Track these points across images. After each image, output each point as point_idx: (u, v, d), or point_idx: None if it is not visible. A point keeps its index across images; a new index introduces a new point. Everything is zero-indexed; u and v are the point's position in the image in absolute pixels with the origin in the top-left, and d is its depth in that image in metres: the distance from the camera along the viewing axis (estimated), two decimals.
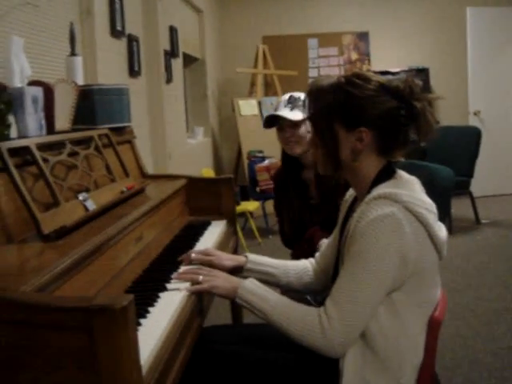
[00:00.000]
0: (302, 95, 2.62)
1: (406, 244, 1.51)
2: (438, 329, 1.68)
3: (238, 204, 5.38)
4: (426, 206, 1.58)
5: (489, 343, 3.45)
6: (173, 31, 5.36)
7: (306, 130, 2.57)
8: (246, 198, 6.33)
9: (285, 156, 2.71)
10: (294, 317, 1.56)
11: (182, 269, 1.87)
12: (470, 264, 5.09)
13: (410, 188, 1.61)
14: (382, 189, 1.57)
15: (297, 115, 2.56)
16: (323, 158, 1.69)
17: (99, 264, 1.58)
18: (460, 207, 6.93)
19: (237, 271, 1.92)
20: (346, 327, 1.49)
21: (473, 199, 6.60)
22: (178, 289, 1.68)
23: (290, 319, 1.55)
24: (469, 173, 6.52)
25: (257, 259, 1.95)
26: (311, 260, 2.03)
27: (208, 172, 6.06)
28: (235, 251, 2.66)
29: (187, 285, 1.71)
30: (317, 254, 2.02)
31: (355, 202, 1.79)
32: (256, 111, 7.07)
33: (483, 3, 7.96)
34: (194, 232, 2.43)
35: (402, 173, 1.70)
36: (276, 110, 2.65)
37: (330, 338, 1.50)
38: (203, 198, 2.74)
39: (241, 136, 6.90)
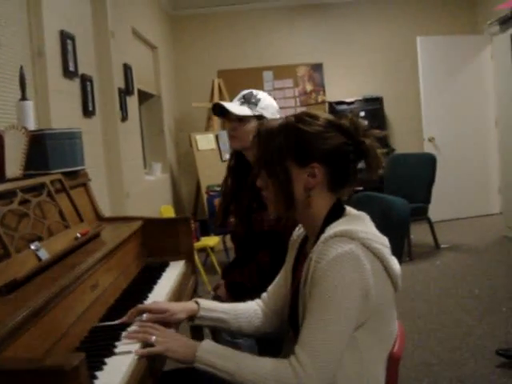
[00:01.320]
0: (260, 93, 2.62)
1: (367, 280, 1.50)
2: (397, 364, 1.68)
3: (198, 240, 5.35)
4: (381, 240, 1.60)
5: (453, 369, 3.46)
6: (127, 69, 5.35)
7: (251, 127, 2.53)
8: (206, 232, 6.30)
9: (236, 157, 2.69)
10: (264, 372, 1.49)
11: (133, 327, 1.72)
12: (431, 290, 5.13)
13: (362, 224, 1.62)
14: (337, 227, 1.57)
15: (242, 110, 2.54)
16: (276, 198, 1.67)
17: (53, 316, 1.54)
18: (419, 233, 7.02)
19: (188, 319, 1.87)
20: (321, 372, 1.46)
21: (431, 225, 6.70)
22: (129, 351, 1.55)
23: (261, 375, 1.48)
24: (426, 199, 6.61)
25: (208, 306, 1.88)
26: (258, 301, 1.98)
27: (167, 209, 6.03)
28: (195, 290, 2.63)
29: (138, 346, 1.59)
30: (264, 295, 1.98)
31: (305, 242, 1.79)
32: (213, 145, 7.07)
33: (432, 32, 8.17)
34: (152, 275, 2.40)
35: (350, 209, 1.71)
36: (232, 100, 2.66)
37: None
38: (161, 239, 2.71)
39: (199, 170, 6.88)
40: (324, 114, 1.68)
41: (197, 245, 5.31)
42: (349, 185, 1.69)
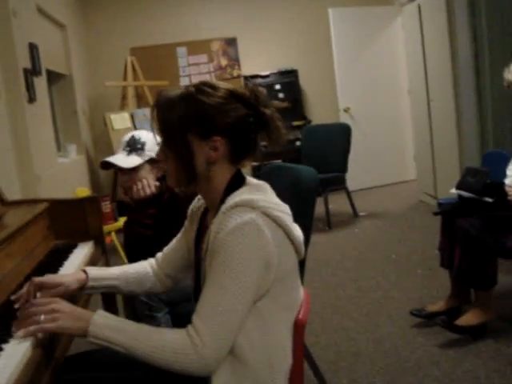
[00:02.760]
0: (142, 136, 2.61)
1: (268, 249, 1.50)
2: (302, 331, 1.70)
3: (116, 220, 5.26)
4: (282, 208, 1.60)
5: (370, 333, 3.55)
6: (33, 48, 5.16)
7: (145, 173, 2.55)
8: (124, 213, 6.19)
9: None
10: (162, 343, 1.46)
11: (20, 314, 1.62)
12: (350, 257, 5.24)
13: (262, 193, 1.62)
14: (237, 197, 1.57)
15: (132, 161, 2.54)
16: (176, 171, 1.65)
17: None
18: (337, 203, 7.15)
19: (80, 289, 1.82)
20: (218, 341, 1.45)
21: (349, 194, 6.81)
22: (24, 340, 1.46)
23: (158, 347, 1.45)
24: (342, 168, 6.71)
25: (97, 275, 1.84)
26: (151, 261, 1.97)
27: (83, 191, 5.89)
28: None
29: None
30: (158, 255, 1.98)
31: (206, 213, 1.78)
32: (129, 124, 6.95)
33: (344, 4, 8.23)
34: (59, 256, 2.34)
35: (251, 179, 1.71)
36: (116, 151, 2.62)
37: (204, 355, 1.44)
38: (68, 221, 2.66)
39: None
40: (224, 84, 1.65)
41: (115, 225, 5.23)
42: (250, 155, 1.68)
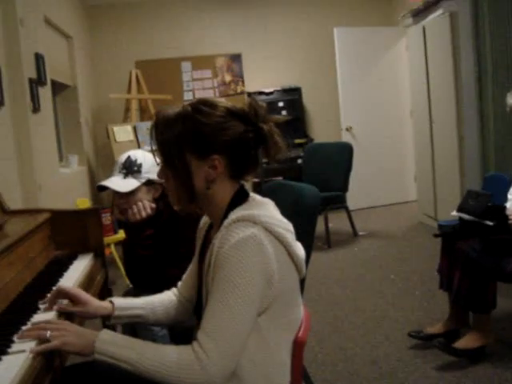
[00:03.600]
0: (139, 157, 2.58)
1: (270, 264, 1.50)
2: (302, 350, 1.69)
3: (116, 233, 5.26)
4: (284, 225, 1.60)
5: (367, 353, 3.54)
6: (39, 58, 5.18)
7: (142, 195, 2.54)
8: (123, 227, 6.19)
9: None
10: (167, 360, 1.45)
11: (28, 326, 1.64)
12: (348, 276, 5.23)
13: (266, 209, 1.62)
14: (239, 212, 1.57)
15: (129, 184, 2.52)
16: (177, 190, 1.65)
17: None
18: (337, 221, 7.14)
19: (104, 319, 1.83)
20: (224, 357, 1.44)
21: (349, 213, 6.81)
22: (23, 350, 1.47)
23: (163, 363, 1.44)
24: (343, 187, 6.71)
25: (123, 304, 1.84)
26: (174, 290, 1.97)
27: (83, 202, 5.90)
28: (105, 284, 2.59)
29: (34, 344, 1.51)
30: (179, 284, 1.98)
31: (211, 229, 1.78)
32: (131, 137, 6.97)
33: (349, 23, 8.30)
34: (59, 267, 2.34)
35: (255, 195, 1.71)
36: (113, 172, 2.59)
37: (210, 372, 1.42)
38: (69, 231, 2.66)
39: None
40: (222, 102, 1.65)
41: (114, 238, 5.23)
42: (250, 170, 1.68)
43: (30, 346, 1.50)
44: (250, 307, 1.48)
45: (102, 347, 1.48)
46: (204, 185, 1.62)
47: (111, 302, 1.84)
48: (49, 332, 1.52)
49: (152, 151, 1.67)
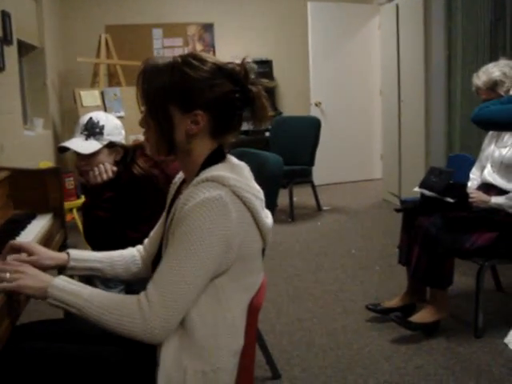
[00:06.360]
0: (101, 119, 2.54)
1: (231, 228, 1.49)
2: (257, 314, 1.69)
3: (79, 197, 5.21)
4: (253, 191, 1.58)
5: (324, 324, 3.58)
6: (5, 16, 5.06)
7: (104, 157, 2.51)
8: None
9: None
10: (111, 306, 1.48)
11: None
12: (310, 249, 5.27)
13: (238, 172, 1.60)
14: (211, 171, 1.56)
15: (90, 146, 2.49)
16: (157, 140, 1.63)
17: None
18: (302, 196, 7.18)
19: (60, 270, 1.83)
20: (167, 310, 1.45)
21: (314, 187, 6.85)
22: None
23: (107, 309, 1.47)
24: (310, 162, 6.74)
25: (80, 255, 1.85)
26: (139, 247, 1.97)
27: (46, 165, 5.80)
28: (63, 246, 2.56)
29: None
30: (145, 241, 1.97)
31: (183, 184, 1.77)
32: (99, 102, 6.87)
33: None
34: (16, 226, 2.31)
35: (231, 157, 1.69)
36: (74, 133, 2.55)
37: (150, 322, 1.44)
38: (29, 191, 2.62)
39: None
40: (213, 58, 1.62)
41: (77, 202, 5.18)
42: (232, 131, 1.66)
43: None
44: (203, 267, 1.47)
45: (54, 292, 1.51)
46: (184, 139, 1.60)
47: (67, 252, 1.85)
48: (8, 273, 1.56)
49: (137, 98, 1.63)
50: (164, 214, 1.87)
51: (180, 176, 1.84)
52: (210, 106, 1.57)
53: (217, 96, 1.57)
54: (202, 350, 1.54)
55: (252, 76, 1.62)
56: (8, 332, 1.59)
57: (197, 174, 1.59)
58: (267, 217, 1.65)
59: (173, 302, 1.46)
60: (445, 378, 2.86)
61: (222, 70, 1.59)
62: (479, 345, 3.18)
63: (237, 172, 1.60)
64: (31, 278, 1.55)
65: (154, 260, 1.74)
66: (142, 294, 1.48)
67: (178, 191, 1.78)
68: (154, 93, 1.58)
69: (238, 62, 1.62)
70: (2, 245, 1.97)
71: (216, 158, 1.63)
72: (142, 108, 1.64)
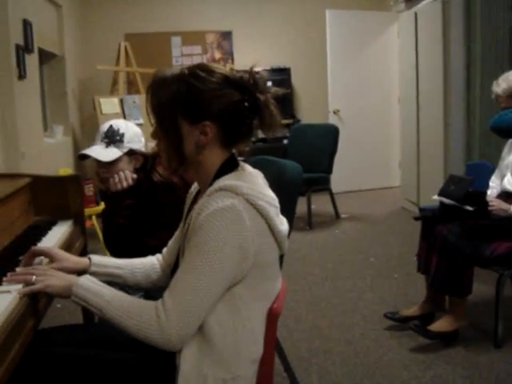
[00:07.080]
0: (121, 126, 2.56)
1: (246, 237, 1.50)
2: (275, 321, 1.70)
3: (98, 204, 5.25)
4: (267, 199, 1.59)
5: (343, 332, 3.57)
6: (27, 25, 5.13)
7: (124, 165, 2.52)
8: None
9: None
10: (131, 311, 1.51)
11: (18, 270, 1.76)
12: (328, 257, 5.26)
13: (251, 181, 1.61)
14: (224, 181, 1.57)
15: (110, 154, 2.50)
16: (167, 152, 1.65)
17: None
18: (321, 203, 7.16)
19: (81, 275, 1.86)
20: (183, 319, 1.47)
21: (332, 195, 6.84)
22: (8, 291, 1.58)
23: (127, 313, 1.50)
24: (328, 169, 6.74)
25: (101, 261, 1.87)
26: (158, 256, 1.99)
27: (66, 172, 5.85)
28: (83, 252, 2.58)
29: (20, 287, 1.61)
30: (164, 250, 1.99)
31: (198, 195, 1.78)
32: (118, 109, 6.92)
33: (342, 6, 8.24)
34: (38, 232, 2.33)
35: (245, 165, 1.70)
36: (95, 141, 2.57)
37: (166, 330, 1.47)
38: (50, 198, 2.64)
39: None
40: (221, 69, 1.63)
41: (96, 209, 5.22)
42: (243, 140, 1.67)
43: (15, 288, 1.60)
44: (218, 276, 1.49)
45: (79, 292, 1.56)
46: (194, 150, 1.61)
47: (89, 258, 1.88)
48: (34, 276, 1.62)
49: (147, 111, 1.65)
50: (181, 224, 1.88)
51: (195, 186, 1.86)
52: (219, 116, 1.58)
53: (225, 106, 1.58)
54: (222, 357, 1.55)
55: (262, 84, 1.62)
56: (31, 335, 1.61)
57: (210, 184, 1.60)
58: (282, 224, 1.65)
59: (188, 311, 1.48)
60: None
61: (229, 80, 1.59)
62: (498, 354, 3.16)
63: (250, 180, 1.61)
64: (57, 279, 1.62)
65: (173, 269, 1.76)
66: (160, 301, 1.51)
67: (194, 201, 1.79)
68: (161, 105, 1.60)
69: (256, 69, 1.64)
70: (24, 250, 2.00)
71: (229, 167, 1.65)
72: (152, 120, 1.66)
